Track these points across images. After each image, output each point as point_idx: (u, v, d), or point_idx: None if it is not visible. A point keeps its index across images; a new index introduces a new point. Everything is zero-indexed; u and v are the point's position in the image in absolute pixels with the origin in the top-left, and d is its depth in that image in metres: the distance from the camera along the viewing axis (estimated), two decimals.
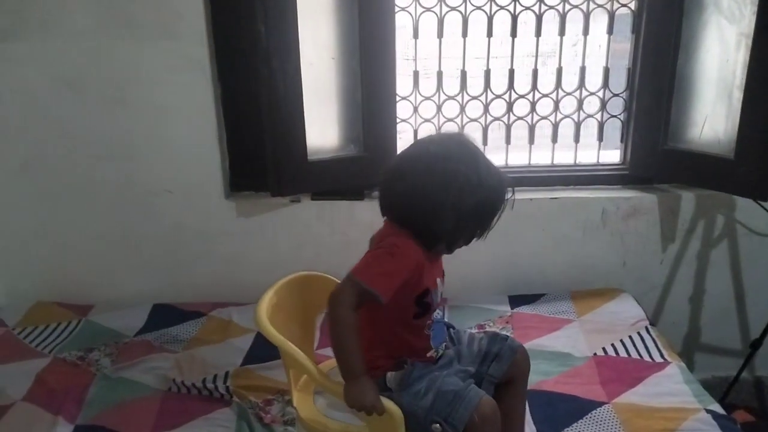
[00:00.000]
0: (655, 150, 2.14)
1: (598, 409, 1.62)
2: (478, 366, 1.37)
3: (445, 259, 2.19)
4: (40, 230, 2.16)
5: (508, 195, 1.28)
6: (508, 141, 2.26)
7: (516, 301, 2.16)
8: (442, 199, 1.20)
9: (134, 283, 2.22)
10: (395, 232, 1.27)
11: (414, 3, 2.12)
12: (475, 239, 1.30)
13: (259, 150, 2.06)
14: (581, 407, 1.63)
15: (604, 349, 1.87)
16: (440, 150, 1.24)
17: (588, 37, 2.16)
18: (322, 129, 2.10)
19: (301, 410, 1.36)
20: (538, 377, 1.75)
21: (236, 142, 2.16)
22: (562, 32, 2.15)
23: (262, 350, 1.85)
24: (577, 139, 2.27)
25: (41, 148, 2.07)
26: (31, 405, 1.68)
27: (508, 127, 2.24)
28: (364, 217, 2.19)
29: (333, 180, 2.14)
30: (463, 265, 2.21)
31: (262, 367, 1.80)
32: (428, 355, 1.32)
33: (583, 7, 2.13)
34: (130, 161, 2.09)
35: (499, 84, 2.20)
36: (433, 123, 2.23)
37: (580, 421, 1.58)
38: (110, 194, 2.12)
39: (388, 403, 1.19)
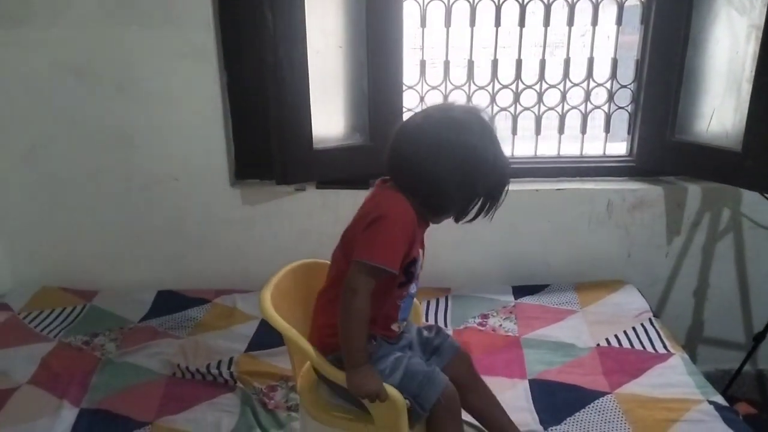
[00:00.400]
0: (662, 142, 2.14)
1: (601, 399, 1.62)
2: (426, 355, 1.39)
3: (449, 248, 2.21)
4: (46, 216, 2.17)
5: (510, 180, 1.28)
6: (514, 131, 2.26)
7: (520, 291, 2.16)
8: (455, 171, 1.18)
9: (139, 269, 2.23)
10: (389, 194, 1.23)
11: None
12: (481, 217, 1.28)
13: (265, 138, 2.06)
14: (584, 397, 1.63)
15: (607, 340, 1.87)
16: (463, 119, 1.21)
17: (596, 27, 2.15)
18: (328, 117, 2.09)
19: (304, 396, 1.37)
20: (541, 367, 1.76)
21: (242, 130, 2.16)
22: (570, 23, 2.14)
23: (266, 337, 1.86)
24: (583, 131, 2.27)
25: (47, 134, 2.08)
26: (36, 388, 1.69)
27: (515, 118, 2.24)
28: None
29: (338, 169, 2.14)
30: (467, 256, 2.23)
31: (266, 353, 1.81)
32: (392, 327, 1.31)
33: None
34: (136, 148, 2.09)
35: (506, 74, 2.19)
36: None
37: (583, 410, 1.59)
38: (116, 181, 2.12)
39: (390, 390, 1.19)
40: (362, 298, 1.17)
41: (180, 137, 2.09)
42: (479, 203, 1.25)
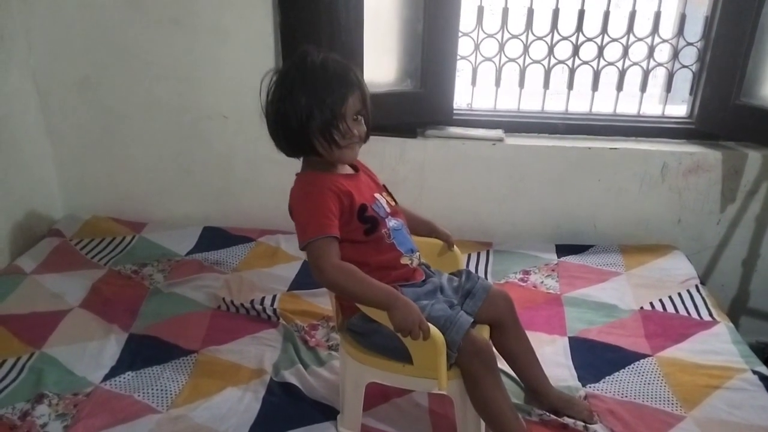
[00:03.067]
0: (725, 104, 2.05)
1: (641, 360, 1.61)
2: (459, 300, 1.39)
3: (492, 203, 2.18)
4: (98, 146, 2.20)
5: (348, 80, 1.27)
6: (570, 86, 2.18)
7: (563, 250, 2.13)
8: (292, 124, 1.26)
9: (186, 204, 2.26)
10: (297, 180, 1.32)
11: None
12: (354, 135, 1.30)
13: None
14: (624, 358, 1.62)
15: (651, 303, 1.85)
16: (280, 77, 1.30)
17: None
18: (379, 61, 2.05)
19: (344, 336, 1.38)
20: (582, 325, 1.75)
21: None
22: None
23: (308, 278, 1.88)
24: (643, 89, 2.18)
25: (101, 65, 2.09)
26: (87, 312, 1.76)
27: (572, 71, 2.16)
28: (414, 156, 2.17)
29: (387, 115, 2.10)
30: (511, 211, 2.21)
31: (308, 293, 1.84)
32: (402, 262, 1.33)
33: None
34: (188, 83, 2.09)
35: (566, 25, 2.10)
36: (494, 62, 2.16)
37: (622, 370, 1.58)
38: (167, 115, 2.14)
39: (430, 327, 1.20)
40: (331, 269, 1.22)
41: (231, 75, 2.08)
42: (331, 129, 1.26)
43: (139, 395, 1.46)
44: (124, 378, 1.51)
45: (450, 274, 1.46)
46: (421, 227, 1.52)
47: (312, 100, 1.24)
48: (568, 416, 1.41)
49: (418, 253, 1.39)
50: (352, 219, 1.27)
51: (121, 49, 2.06)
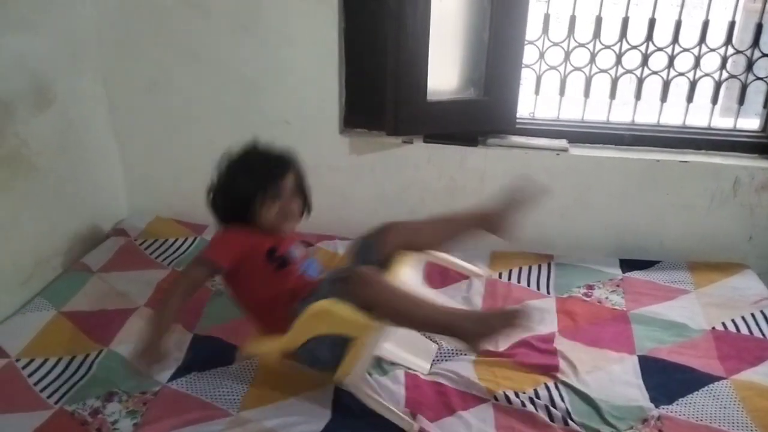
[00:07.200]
0: None
1: (716, 383, 1.55)
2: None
3: (554, 215, 2.14)
4: (163, 148, 2.25)
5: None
6: (638, 96, 2.13)
7: (628, 265, 2.07)
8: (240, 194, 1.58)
9: None
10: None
11: None
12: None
13: (375, 88, 2.04)
14: (697, 379, 1.56)
15: (723, 324, 1.78)
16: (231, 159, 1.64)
17: None
18: (443, 68, 2.04)
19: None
20: (651, 344, 1.70)
21: (355, 77, 2.14)
22: None
23: None
24: (715, 101, 2.11)
25: (168, 69, 2.13)
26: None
27: (641, 81, 2.10)
28: (475, 164, 2.14)
29: (449, 123, 2.09)
30: (574, 224, 2.16)
31: None
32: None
33: None
34: (252, 88, 2.12)
35: (636, 34, 2.05)
36: (558, 71, 2.13)
37: (696, 393, 1.52)
38: (231, 119, 2.16)
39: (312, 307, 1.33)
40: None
41: (295, 81, 2.10)
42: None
43: (206, 397, 1.47)
44: (190, 378, 1.53)
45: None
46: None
47: (255, 184, 1.52)
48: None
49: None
50: (258, 258, 1.47)
51: (188, 54, 2.10)
